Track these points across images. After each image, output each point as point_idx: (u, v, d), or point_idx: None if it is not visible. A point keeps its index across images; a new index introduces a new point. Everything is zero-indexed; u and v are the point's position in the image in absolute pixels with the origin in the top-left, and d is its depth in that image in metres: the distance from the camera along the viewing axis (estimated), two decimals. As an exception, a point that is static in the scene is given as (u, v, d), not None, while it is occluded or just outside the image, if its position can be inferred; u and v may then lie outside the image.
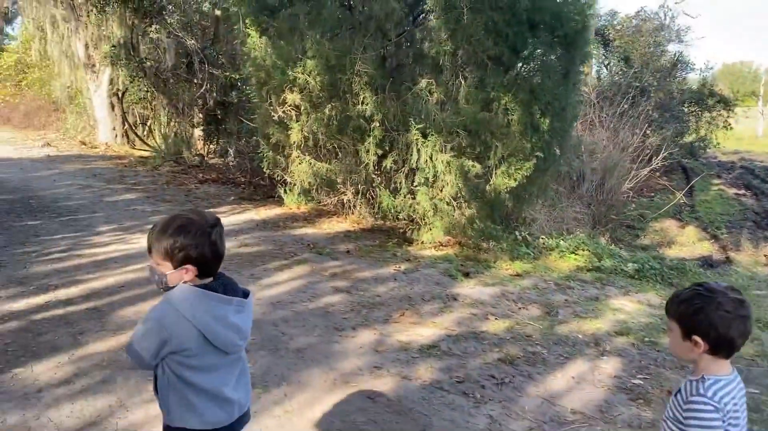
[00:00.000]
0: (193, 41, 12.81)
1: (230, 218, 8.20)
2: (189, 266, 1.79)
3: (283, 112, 7.31)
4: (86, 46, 15.71)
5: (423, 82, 6.65)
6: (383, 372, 3.86)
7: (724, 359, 1.70)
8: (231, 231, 7.42)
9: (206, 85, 13.41)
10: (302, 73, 7.05)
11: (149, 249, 1.84)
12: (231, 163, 12.43)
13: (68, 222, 7.57)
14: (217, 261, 1.85)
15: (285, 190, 8.76)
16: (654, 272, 6.93)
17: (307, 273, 5.89)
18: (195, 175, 11.95)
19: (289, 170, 7.76)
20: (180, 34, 12.69)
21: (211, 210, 8.75)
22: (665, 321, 1.90)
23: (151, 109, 15.86)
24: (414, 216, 7.28)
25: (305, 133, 7.35)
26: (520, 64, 7.11)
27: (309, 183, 7.52)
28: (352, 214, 8.33)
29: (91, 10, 14.27)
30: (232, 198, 9.78)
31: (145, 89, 13.78)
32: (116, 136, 16.26)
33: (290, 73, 7.14)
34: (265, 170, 8.57)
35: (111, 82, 15.85)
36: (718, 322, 1.63)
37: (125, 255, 6.23)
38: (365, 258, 6.61)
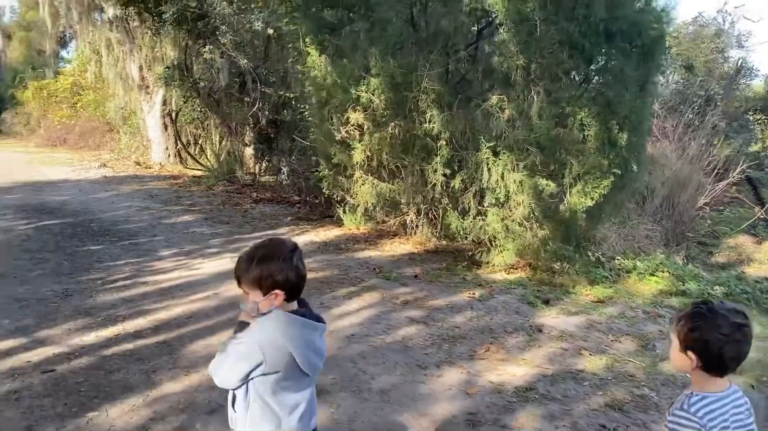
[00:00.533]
0: (245, 61, 12.76)
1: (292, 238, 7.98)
2: (278, 291, 1.86)
3: (346, 131, 7.06)
4: (140, 68, 15.92)
5: (494, 98, 6.31)
6: (480, 418, 3.51)
7: (718, 377, 1.72)
8: (293, 255, 7.19)
9: (258, 104, 13.35)
10: (366, 92, 6.80)
11: (239, 281, 1.92)
12: (284, 182, 12.28)
13: (130, 247, 7.47)
14: (301, 283, 1.92)
15: (344, 211, 8.51)
16: (746, 296, 6.41)
17: (378, 301, 5.59)
18: (249, 194, 11.85)
19: (350, 191, 7.49)
20: (233, 54, 12.66)
21: (271, 231, 8.57)
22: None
23: (203, 128, 15.93)
24: (483, 238, 6.92)
25: (368, 153, 7.08)
26: (595, 77, 6.71)
27: (372, 204, 7.23)
28: (415, 235, 8.02)
29: (146, 33, 14.42)
30: (289, 218, 9.59)
31: (199, 109, 13.81)
32: (169, 155, 16.39)
33: (353, 91, 6.90)
34: (324, 191, 8.34)
35: (164, 102, 16.01)
36: (712, 343, 1.66)
37: (189, 283, 6.05)
38: (435, 283, 6.27)
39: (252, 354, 1.81)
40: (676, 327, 1.76)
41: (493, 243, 6.81)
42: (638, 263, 7.29)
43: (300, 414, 1.92)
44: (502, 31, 6.38)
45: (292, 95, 12.75)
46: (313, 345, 1.90)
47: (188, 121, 14.96)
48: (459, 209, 6.90)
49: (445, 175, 6.66)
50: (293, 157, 12.67)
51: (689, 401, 1.70)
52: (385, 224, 8.57)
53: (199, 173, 14.45)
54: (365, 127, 7.09)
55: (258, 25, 12.43)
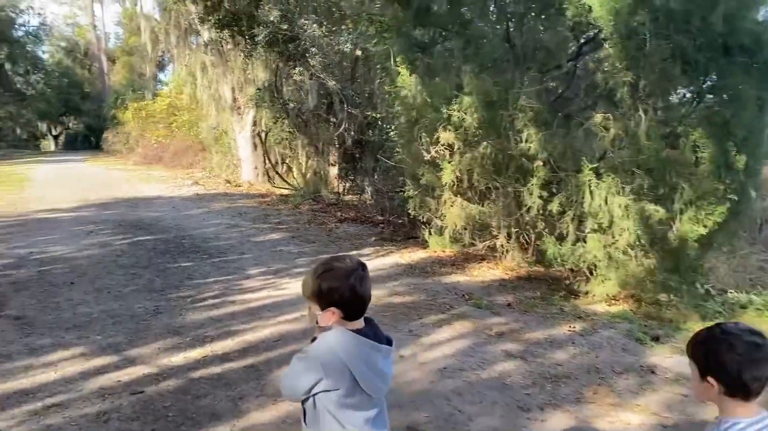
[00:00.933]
0: (333, 82, 12.83)
1: (375, 262, 7.78)
2: (333, 308, 1.84)
3: (435, 151, 6.81)
4: (232, 90, 16.38)
5: (597, 117, 5.88)
6: (595, 475, 3.11)
7: (744, 401, 1.61)
8: (379, 277, 6.97)
9: (344, 125, 13.38)
10: (458, 110, 6.54)
11: (303, 292, 1.93)
12: (368, 202, 12.16)
13: (219, 264, 7.49)
14: (358, 304, 1.87)
15: (430, 232, 8.24)
16: None
17: (470, 331, 5.25)
18: (333, 213, 11.79)
19: (438, 212, 7.22)
20: (321, 75, 12.77)
21: (355, 252, 8.40)
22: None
23: (291, 148, 16.16)
24: (581, 266, 6.45)
25: (458, 174, 6.80)
26: (709, 95, 6.15)
27: (460, 226, 6.92)
28: (504, 259, 7.63)
29: (239, 55, 14.82)
30: (373, 239, 9.41)
31: (287, 129, 13.99)
32: (258, 174, 16.72)
33: (444, 110, 6.65)
34: (410, 211, 8.10)
35: (254, 123, 16.38)
36: (729, 365, 1.59)
37: (277, 303, 5.93)
38: (530, 313, 5.86)
39: (312, 370, 1.81)
40: (692, 352, 1.69)
41: (594, 271, 6.32)
42: (754, 297, 6.59)
43: None
44: (607, 45, 5.95)
45: (378, 115, 12.68)
46: (375, 367, 1.84)
47: (277, 141, 15.21)
48: (555, 234, 6.47)
49: (541, 197, 6.26)
50: (377, 177, 12.58)
51: (718, 429, 1.62)
52: (472, 247, 8.22)
53: (286, 192, 14.62)
54: (456, 146, 6.82)
55: (347, 47, 12.47)
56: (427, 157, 6.94)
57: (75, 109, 42.21)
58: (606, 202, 5.95)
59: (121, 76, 37.96)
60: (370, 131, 13.72)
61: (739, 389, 1.60)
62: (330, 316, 1.84)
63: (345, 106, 13.09)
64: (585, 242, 6.23)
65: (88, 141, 42.11)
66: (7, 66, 37.80)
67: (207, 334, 5.06)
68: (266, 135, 15.81)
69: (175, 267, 7.33)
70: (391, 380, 1.92)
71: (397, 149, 11.76)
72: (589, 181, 5.97)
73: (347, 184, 14.19)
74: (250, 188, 15.54)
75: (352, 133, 13.59)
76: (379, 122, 13.21)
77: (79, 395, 3.94)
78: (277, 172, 15.61)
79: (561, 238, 6.47)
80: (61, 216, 11.13)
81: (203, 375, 4.24)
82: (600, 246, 6.07)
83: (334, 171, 14.79)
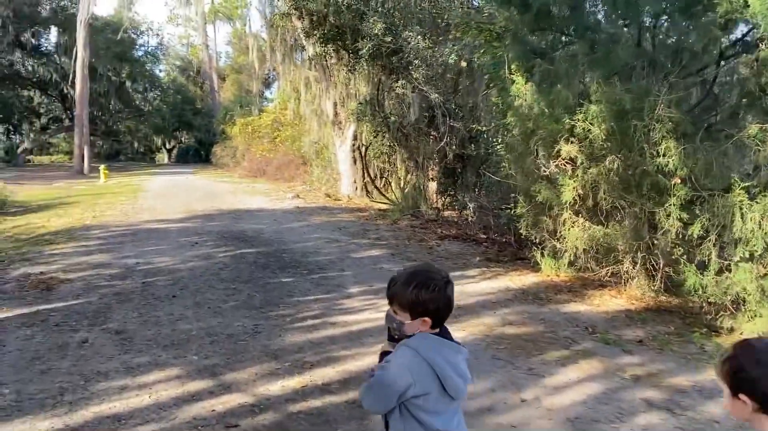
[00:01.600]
0: (436, 95, 12.36)
1: (482, 285, 7.16)
2: (427, 318, 1.88)
3: (555, 165, 6.13)
4: (334, 104, 16.32)
5: (752, 128, 5.00)
6: None
7: None
8: (487, 303, 6.36)
9: (446, 138, 12.86)
10: (582, 121, 5.84)
11: (390, 299, 1.94)
12: (470, 219, 11.51)
13: (319, 281, 7.15)
14: (448, 313, 1.92)
15: (542, 254, 7.51)
16: None
17: (600, 372, 4.52)
18: (434, 230, 11.26)
19: (556, 233, 6.51)
20: (424, 88, 12.34)
21: (459, 272, 7.81)
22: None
23: (390, 162, 15.83)
24: (723, 300, 5.53)
25: (580, 191, 6.07)
26: None
27: (581, 249, 6.18)
28: (628, 287, 6.77)
29: (341, 70, 14.71)
30: (478, 259, 8.77)
31: (387, 143, 13.66)
32: (357, 188, 16.52)
33: (566, 121, 5.97)
34: (521, 231, 7.42)
35: (355, 137, 16.22)
36: (758, 380, 1.55)
37: (378, 327, 5.44)
38: (666, 352, 5.04)
39: (402, 377, 1.81)
40: (720, 372, 1.64)
41: (741, 306, 5.40)
42: None
43: None
44: (764, 46, 5.07)
45: (484, 128, 12.07)
46: (458, 368, 1.89)
47: (376, 155, 14.94)
48: (695, 262, 5.59)
49: (680, 219, 5.43)
50: (480, 193, 11.94)
51: None
52: (588, 272, 7.42)
53: (384, 206, 14.27)
54: (578, 161, 6.11)
55: (451, 58, 11.98)
56: (546, 171, 6.26)
57: (187, 124, 44.45)
58: (760, 227, 5.05)
59: (230, 93, 39.61)
60: (473, 145, 13.13)
61: None
62: (420, 325, 1.88)
63: (447, 119, 12.57)
64: (729, 271, 5.34)
65: (198, 154, 44.18)
66: (128, 84, 40.42)
67: (306, 360, 4.66)
68: (366, 149, 15.59)
69: (275, 282, 7.06)
70: (469, 380, 1.93)
71: (503, 164, 11.10)
72: (740, 201, 5.09)
73: (447, 200, 13.64)
74: (349, 202, 15.33)
75: (454, 146, 13.04)
76: (484, 135, 12.59)
77: (171, 425, 3.62)
78: (375, 187, 15.31)
79: (700, 266, 5.59)
80: (169, 227, 11.31)
81: (302, 409, 3.82)
82: (751, 277, 5.16)
83: (433, 186, 14.28)
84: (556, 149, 6.15)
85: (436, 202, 13.51)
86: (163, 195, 17.74)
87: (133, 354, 4.81)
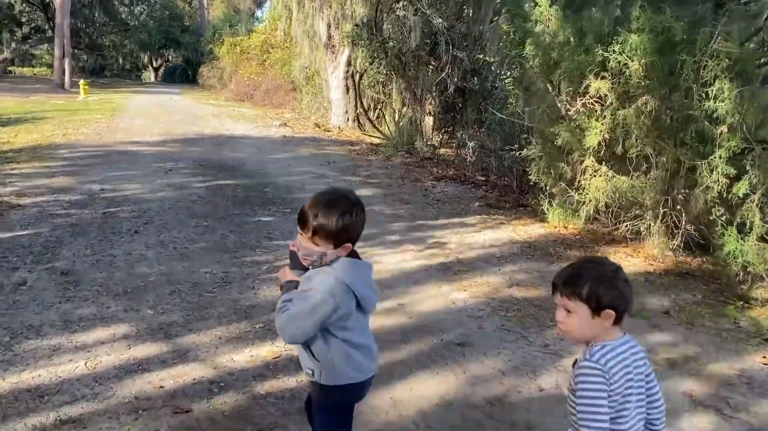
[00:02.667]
0: (440, 20, 11.18)
1: (485, 235, 6.37)
2: (349, 244, 1.86)
3: (582, 104, 5.22)
4: (328, 26, 15.03)
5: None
6: None
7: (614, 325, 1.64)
8: (491, 257, 5.59)
9: (447, 69, 11.76)
10: (619, 53, 4.89)
11: (314, 232, 1.84)
12: (469, 159, 10.62)
13: (302, 222, 6.33)
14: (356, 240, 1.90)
15: (550, 203, 6.72)
16: None
17: (628, 352, 3.79)
18: (429, 169, 10.38)
19: (574, 181, 5.68)
20: (427, 12, 11.15)
21: (458, 219, 7.01)
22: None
23: (384, 93, 14.72)
24: (762, 270, 4.79)
25: (607, 135, 5.20)
26: None
27: (604, 202, 5.37)
28: (644, 245, 6.02)
29: (337, -13, 13.38)
30: (477, 204, 7.95)
31: (384, 72, 12.52)
32: (348, 119, 15.47)
33: (599, 52, 5.02)
34: (531, 177, 6.57)
35: (348, 63, 15.03)
36: (621, 294, 1.63)
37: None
38: (697, 328, 4.31)
39: (327, 303, 1.79)
40: (575, 294, 1.65)
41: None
42: None
43: (371, 353, 1.97)
44: None
45: (492, 60, 10.99)
46: (372, 285, 1.93)
47: (371, 84, 13.81)
48: (735, 224, 4.81)
49: (726, 174, 4.60)
50: (481, 131, 11.00)
51: (591, 352, 1.67)
52: (599, 226, 6.65)
53: (377, 141, 13.31)
54: (608, 100, 5.20)
55: (458, -21, 10.76)
56: (570, 111, 5.35)
57: (174, 42, 42.24)
58: (822, 189, 4.25)
59: (219, 11, 37.40)
60: (475, 78, 12.07)
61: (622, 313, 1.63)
62: (341, 251, 1.85)
63: (450, 48, 11.43)
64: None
65: (185, 74, 42.26)
66: (113, -4, 38.04)
67: (281, 322, 3.89)
68: (360, 77, 14.43)
69: (253, 222, 6.22)
70: (377, 292, 1.97)
71: (510, 100, 10.13)
72: (802, 159, 4.26)
73: (444, 137, 12.67)
74: (340, 134, 14.32)
75: (456, 79, 11.94)
76: (491, 68, 11.52)
77: (106, 406, 2.85)
78: (369, 119, 14.28)
79: (740, 229, 4.81)
80: (143, 150, 10.33)
81: (271, 390, 3.05)
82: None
83: (429, 121, 13.28)
84: (583, 85, 5.22)
85: (433, 138, 12.55)
86: (143, 115, 16.57)
87: (76, 303, 4.01)
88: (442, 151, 12.10)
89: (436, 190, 8.73)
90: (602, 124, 5.14)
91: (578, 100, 5.26)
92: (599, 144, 5.23)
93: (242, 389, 3.06)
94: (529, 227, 6.84)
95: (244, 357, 3.40)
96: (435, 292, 4.60)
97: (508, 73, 9.45)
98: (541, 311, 4.36)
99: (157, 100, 22.97)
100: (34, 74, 44.62)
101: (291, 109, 20.04)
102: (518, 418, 2.98)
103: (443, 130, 12.26)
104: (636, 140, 5.01)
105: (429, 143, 11.97)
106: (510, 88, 9.84)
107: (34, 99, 20.95)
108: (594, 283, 1.61)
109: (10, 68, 44.15)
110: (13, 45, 40.83)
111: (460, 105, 12.25)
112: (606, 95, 5.13)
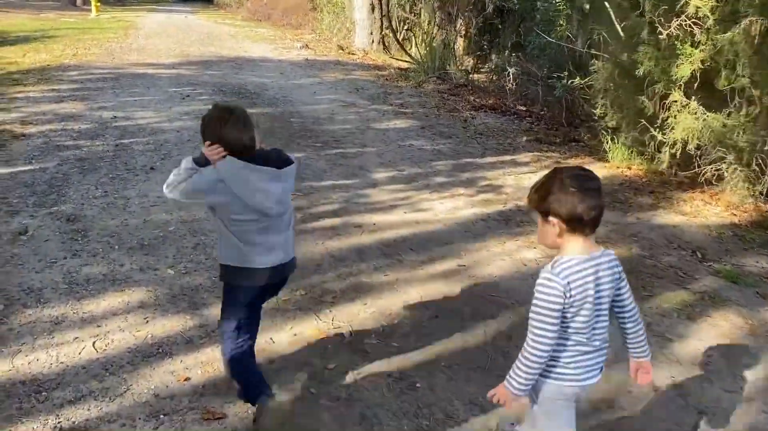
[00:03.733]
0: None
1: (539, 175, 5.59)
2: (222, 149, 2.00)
3: (677, 25, 4.29)
4: (354, -63, 13.64)
5: None
6: None
7: (581, 236, 1.61)
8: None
9: (485, -13, 10.59)
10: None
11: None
12: (509, 87, 9.65)
13: (336, 159, 5.56)
14: (241, 147, 2.01)
15: (613, 140, 5.90)
16: None
17: (747, 335, 3.09)
18: (465, 97, 9.45)
19: (656, 119, 4.82)
20: None
21: (509, 158, 6.21)
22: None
23: (413, 12, 13.51)
24: None
25: (701, 65, 4.30)
26: None
27: (694, 143, 4.53)
28: (721, 191, 5.22)
29: None
30: (525, 139, 7.10)
31: (416, -12, 11.33)
32: (373, 41, 14.31)
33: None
34: (597, 111, 5.70)
35: (374, -21, 13.73)
36: (564, 201, 1.57)
37: (419, 236, 3.98)
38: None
39: (199, 185, 2.01)
40: (532, 201, 1.68)
41: None
42: None
43: (270, 252, 2.09)
44: None
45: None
46: (262, 187, 2.01)
47: (400, 2, 12.59)
48: None
49: None
50: (521, 57, 9.95)
51: (552, 264, 1.64)
52: (658, 163, 5.81)
53: (404, 65, 12.27)
54: (707, 23, 4.26)
55: None
56: (661, 34, 4.41)
57: (188, -42, 39.93)
58: None
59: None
60: (515, -3, 10.88)
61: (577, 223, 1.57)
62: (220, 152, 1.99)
63: (491, -39, 10.22)
64: None
65: (200, -8, 40.23)
66: None
67: (327, 287, 3.22)
68: (387, -5, 13.18)
69: (281, 157, 5.47)
70: (284, 199, 2.08)
71: (561, 22, 9.04)
72: None
73: (477, 62, 11.59)
74: (365, 57, 13.25)
75: (494, -4, 10.79)
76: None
77: (119, 407, 2.23)
78: (397, 40, 13.13)
79: None
80: (158, 73, 9.46)
81: (321, 388, 2.41)
82: None
83: (461, 44, 12.15)
84: (679, 3, 4.26)
85: (465, 63, 11.49)
86: (158, 34, 15.50)
87: (83, 259, 3.36)
88: (475, 76, 11.10)
89: (476, 122, 7.86)
90: (700, 51, 4.22)
91: (673, 21, 4.31)
92: (693, 74, 4.33)
93: (288, 382, 2.42)
94: (589, 167, 6.02)
95: (284, 336, 2.75)
96: (499, 249, 3.89)
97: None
98: (629, 275, 3.64)
99: (172, 19, 21.69)
100: (46, -10, 42.75)
101: (311, 29, 18.76)
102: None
103: (482, 55, 11.18)
104: (741, 71, 4.11)
105: (462, 68, 10.94)
106: (561, 7, 8.74)
107: (44, 16, 19.81)
108: (544, 190, 1.60)
109: (20, -16, 42.37)
110: (22, -41, 38.87)
111: (498, 26, 11.15)
112: (706, 16, 4.19)
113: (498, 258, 3.76)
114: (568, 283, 1.57)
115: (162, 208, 4.12)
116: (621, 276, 1.72)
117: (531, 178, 5.51)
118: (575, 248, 1.61)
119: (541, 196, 1.61)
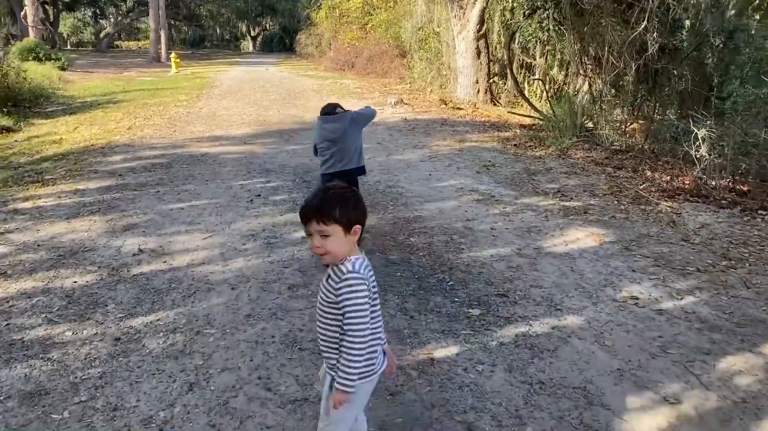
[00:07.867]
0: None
1: None
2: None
3: None
4: (456, -28, 11.05)
5: None
6: None
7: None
8: None
9: (645, 22, 7.57)
10: None
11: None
12: (704, 157, 6.49)
13: (522, 363, 2.69)
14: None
15: None
16: None
17: None
18: (640, 173, 6.43)
19: None
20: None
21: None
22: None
23: (531, 56, 10.65)
24: None
25: None
26: None
27: None
28: None
29: None
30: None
31: (551, 27, 8.46)
32: (478, 91, 11.54)
33: None
34: None
35: (481, 21, 11.04)
36: (362, 211, 1.74)
37: None
38: None
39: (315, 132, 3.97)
40: (332, 218, 1.70)
41: None
42: None
43: (330, 161, 3.86)
44: None
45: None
46: (322, 127, 3.86)
47: (527, 42, 9.76)
48: None
49: None
50: (710, 113, 6.80)
51: (353, 262, 1.73)
52: None
53: (527, 120, 9.39)
54: None
55: None
56: None
57: (271, 9, 39.21)
58: None
59: (315, -27, 33.74)
60: (683, 33, 7.83)
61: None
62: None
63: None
64: None
65: (282, 42, 39.35)
66: (208, -37, 35.26)
67: None
68: (511, 37, 10.38)
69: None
70: (337, 133, 3.80)
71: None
72: None
73: (636, 119, 8.51)
74: (475, 112, 10.46)
75: (655, 34, 7.76)
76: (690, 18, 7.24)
77: None
78: (521, 92, 10.24)
79: None
80: (224, 153, 7.04)
81: None
82: None
83: (608, 95, 9.10)
84: None
85: (617, 119, 8.43)
86: (233, 93, 13.43)
87: None
88: (634, 139, 8.03)
89: (688, 223, 4.83)
90: None
91: None
92: None
93: None
94: None
95: None
96: None
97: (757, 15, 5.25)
98: None
99: (253, 72, 19.90)
100: (139, 47, 43.31)
101: (398, 77, 16.30)
102: None
103: (639, 110, 8.14)
104: None
105: (618, 127, 7.90)
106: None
107: (124, 76, 18.48)
108: (342, 206, 1.68)
109: (117, 42, 43.01)
110: (117, 19, 39.37)
111: (660, 71, 8.08)
112: None
113: None
114: (369, 278, 1.72)
115: None
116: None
117: None
118: (356, 250, 1.75)
119: (341, 211, 1.69)
